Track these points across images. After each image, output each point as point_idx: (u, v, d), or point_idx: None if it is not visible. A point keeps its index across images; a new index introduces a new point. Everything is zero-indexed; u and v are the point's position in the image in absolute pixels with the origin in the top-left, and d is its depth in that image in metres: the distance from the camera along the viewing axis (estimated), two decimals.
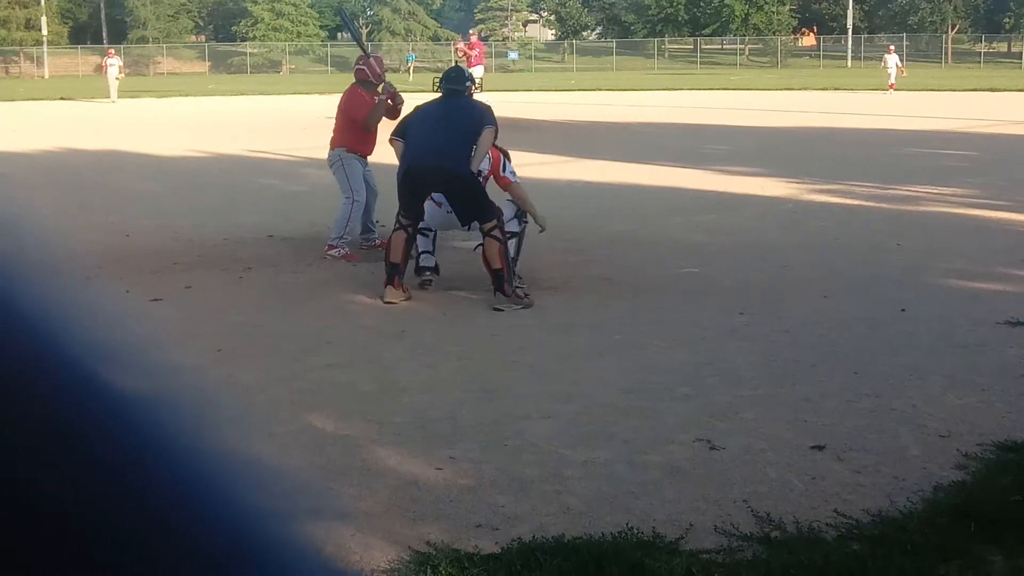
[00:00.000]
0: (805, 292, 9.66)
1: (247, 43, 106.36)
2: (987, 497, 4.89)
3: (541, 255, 10.98)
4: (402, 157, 9.62)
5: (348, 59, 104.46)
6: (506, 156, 10.13)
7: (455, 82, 9.99)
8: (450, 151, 9.27)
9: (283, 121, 33.92)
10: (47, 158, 23.68)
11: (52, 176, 19.66)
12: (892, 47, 55.16)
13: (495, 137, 9.50)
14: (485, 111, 9.68)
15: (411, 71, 75.32)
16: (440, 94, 9.95)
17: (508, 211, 9.74)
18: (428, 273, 9.95)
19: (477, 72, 29.84)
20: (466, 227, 9.79)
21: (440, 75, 10.48)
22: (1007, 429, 5.87)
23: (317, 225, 13.00)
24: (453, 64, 10.92)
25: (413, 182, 9.48)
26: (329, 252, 11.38)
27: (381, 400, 6.66)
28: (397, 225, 9.54)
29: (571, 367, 7.39)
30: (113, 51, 50.31)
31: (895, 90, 47.86)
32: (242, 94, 54.57)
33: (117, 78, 45.83)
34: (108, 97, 44.82)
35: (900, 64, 50.16)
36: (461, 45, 38.71)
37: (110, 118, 35.97)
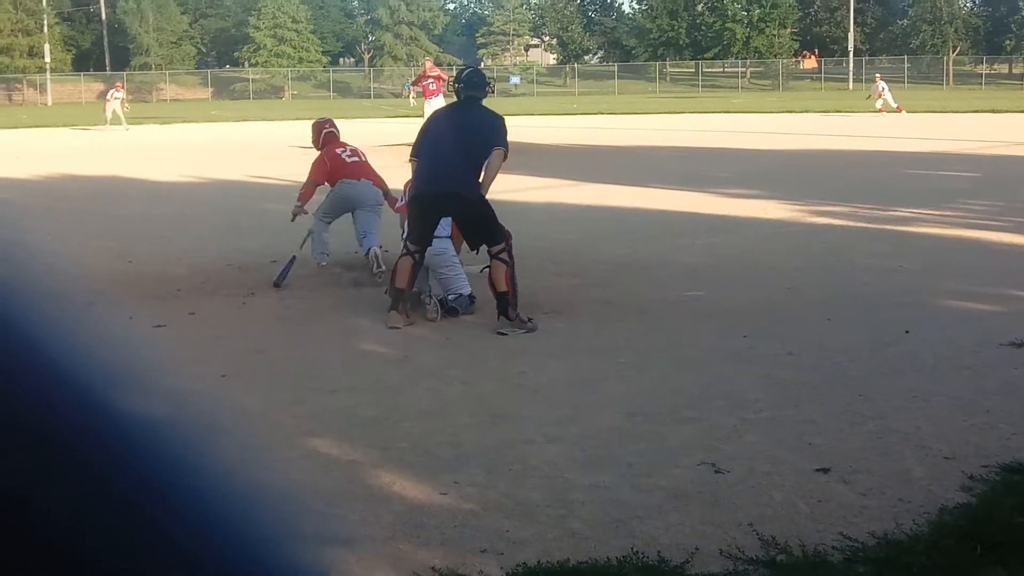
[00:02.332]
0: (808, 314, 9.65)
1: (249, 69, 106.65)
2: (992, 519, 4.87)
3: (544, 279, 10.99)
4: (414, 179, 9.66)
5: (350, 84, 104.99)
6: None
7: (474, 88, 9.85)
8: (461, 176, 9.26)
9: (285, 146, 33.97)
10: (49, 184, 23.72)
11: (54, 202, 19.67)
12: (879, 76, 55.72)
13: (503, 159, 9.49)
14: (498, 128, 9.59)
15: (411, 97, 75.40)
16: (456, 97, 9.92)
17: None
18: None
19: (437, 103, 28.84)
20: (474, 251, 9.78)
21: (456, 76, 10.36)
22: (1012, 451, 5.85)
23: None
24: (469, 71, 10.53)
25: (423, 207, 9.48)
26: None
27: (385, 425, 6.66)
28: (404, 251, 9.51)
29: (575, 391, 7.38)
30: (121, 84, 49.90)
31: (887, 111, 48.11)
32: (245, 120, 54.70)
33: (117, 108, 45.80)
34: (111, 125, 44.61)
35: (881, 90, 50.45)
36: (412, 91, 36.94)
37: (114, 145, 36.02)
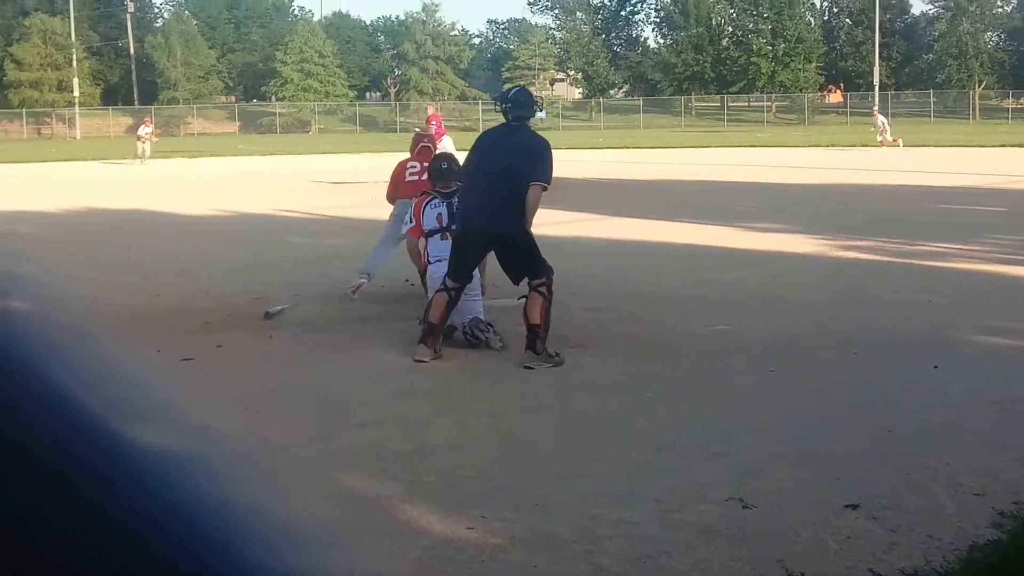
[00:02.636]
0: (836, 349, 9.61)
1: (276, 103, 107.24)
2: (1023, 556, 4.83)
3: (571, 313, 10.97)
4: (459, 214, 9.65)
5: (376, 118, 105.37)
6: None
7: (522, 107, 9.72)
8: (505, 214, 9.20)
9: (311, 180, 34.11)
10: (77, 218, 23.87)
11: (82, 236, 19.81)
12: (876, 108, 57.14)
13: (542, 192, 9.39)
14: (543, 159, 9.40)
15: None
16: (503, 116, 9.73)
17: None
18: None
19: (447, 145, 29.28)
20: (516, 284, 9.72)
21: (502, 96, 10.04)
22: None
23: (345, 284, 13.02)
24: (516, 90, 10.28)
25: (468, 244, 9.44)
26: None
27: (411, 459, 6.64)
28: (442, 287, 9.45)
29: (602, 425, 7.35)
30: (149, 119, 50.27)
31: (886, 145, 48.89)
32: (271, 154, 54.96)
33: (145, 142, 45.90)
34: (144, 159, 44.77)
35: (882, 124, 51.14)
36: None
37: (140, 178, 36.21)
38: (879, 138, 50.04)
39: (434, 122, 29.20)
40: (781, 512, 5.62)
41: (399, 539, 5.31)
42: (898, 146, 48.74)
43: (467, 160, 9.81)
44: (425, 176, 11.63)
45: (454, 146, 20.78)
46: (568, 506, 5.75)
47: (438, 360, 9.31)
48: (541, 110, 10.28)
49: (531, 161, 9.36)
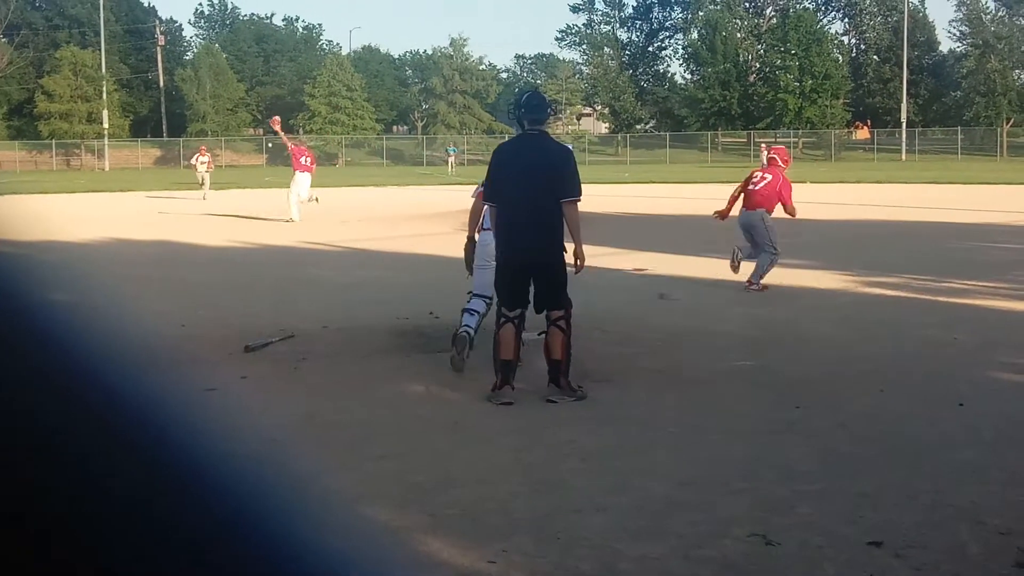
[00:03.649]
0: (862, 386, 9.57)
1: (303, 136, 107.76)
2: None
3: (593, 347, 10.96)
4: (498, 239, 9.36)
5: (403, 152, 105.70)
6: None
7: (536, 110, 9.50)
8: (543, 243, 9.08)
9: (338, 213, 34.20)
10: (102, 249, 23.99)
11: (107, 267, 19.88)
12: (764, 146, 59.46)
13: (578, 205, 9.32)
14: (570, 169, 9.28)
15: (451, 164, 75.70)
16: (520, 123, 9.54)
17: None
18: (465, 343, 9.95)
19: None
20: (538, 313, 9.70)
21: (515, 102, 9.87)
22: None
23: (371, 316, 13.07)
24: (528, 94, 10.07)
25: (512, 274, 9.26)
26: (751, 288, 15.52)
27: (434, 492, 6.63)
28: (503, 319, 9.27)
29: (625, 459, 7.33)
30: (205, 148, 49.44)
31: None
32: None
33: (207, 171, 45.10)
34: (207, 187, 43.91)
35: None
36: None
37: (168, 210, 36.37)
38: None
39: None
40: (804, 549, 5.59)
41: (420, 572, 5.29)
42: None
43: (492, 178, 9.46)
44: None
45: None
46: (590, 541, 5.73)
47: (459, 393, 9.30)
48: (555, 112, 10.05)
49: (559, 175, 9.19)
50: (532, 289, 9.28)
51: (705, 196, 42.32)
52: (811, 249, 21.56)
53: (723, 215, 16.83)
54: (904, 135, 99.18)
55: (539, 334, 9.70)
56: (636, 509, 6.29)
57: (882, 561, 5.40)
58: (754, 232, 15.96)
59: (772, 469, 7.07)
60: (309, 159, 31.22)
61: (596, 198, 38.25)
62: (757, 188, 16.15)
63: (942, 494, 6.50)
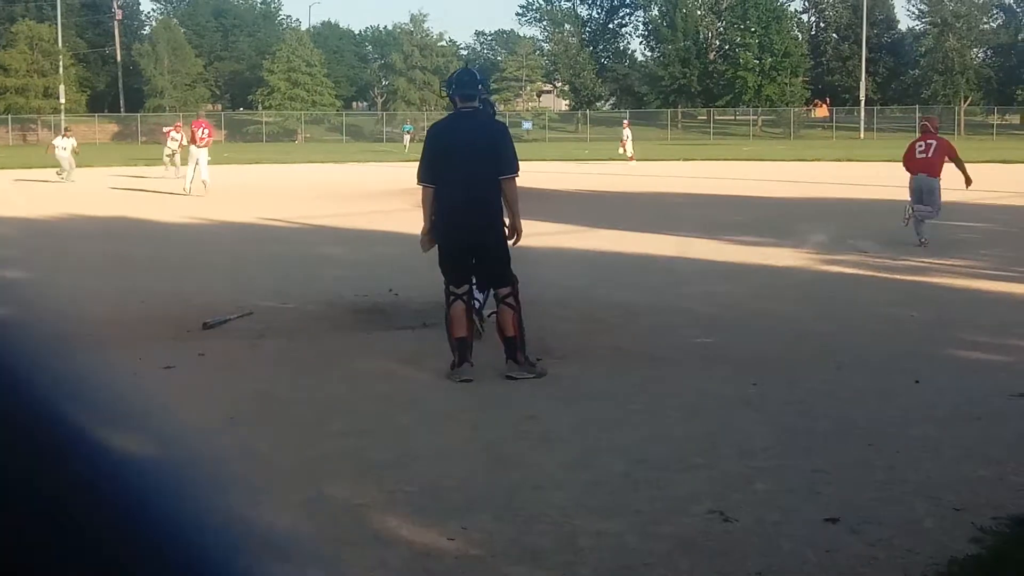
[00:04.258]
0: (819, 363, 9.63)
1: (263, 112, 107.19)
2: (1002, 571, 4.85)
3: (554, 324, 10.98)
4: (437, 219, 9.21)
5: (362, 128, 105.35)
6: None
7: (467, 86, 9.38)
8: (484, 224, 9.08)
9: (297, 189, 34.09)
10: (59, 225, 23.84)
11: (65, 243, 19.77)
12: (627, 122, 61.17)
13: (516, 181, 9.28)
14: (505, 145, 9.25)
15: (407, 142, 75.47)
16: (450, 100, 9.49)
17: None
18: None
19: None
20: (483, 292, 9.71)
21: (446, 82, 9.80)
22: (1022, 502, 5.82)
23: (330, 293, 13.05)
24: (458, 72, 9.94)
25: (453, 257, 9.22)
26: (923, 243, 17.76)
27: (393, 469, 6.63)
28: (452, 297, 9.21)
29: (584, 436, 7.36)
30: (180, 124, 44.27)
31: (636, 160, 51.41)
32: (257, 162, 54.91)
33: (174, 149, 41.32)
34: (176, 166, 40.03)
35: (626, 137, 54.72)
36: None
37: (124, 186, 36.11)
38: (621, 150, 53.62)
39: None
40: (761, 525, 5.63)
41: (379, 549, 5.31)
42: (632, 162, 51.27)
43: (428, 159, 9.29)
44: None
45: None
46: (549, 517, 5.75)
47: (419, 370, 9.30)
48: (487, 90, 9.93)
49: (495, 152, 9.14)
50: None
51: (664, 173, 42.46)
52: (769, 226, 21.67)
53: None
54: (863, 113, 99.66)
55: (488, 315, 9.71)
56: (595, 486, 6.31)
57: (838, 537, 5.44)
58: (931, 194, 18.35)
59: (730, 446, 7.10)
60: (207, 130, 31.44)
61: (555, 175, 38.29)
62: (929, 156, 18.58)
63: (898, 470, 6.56)
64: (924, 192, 18.47)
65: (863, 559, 5.15)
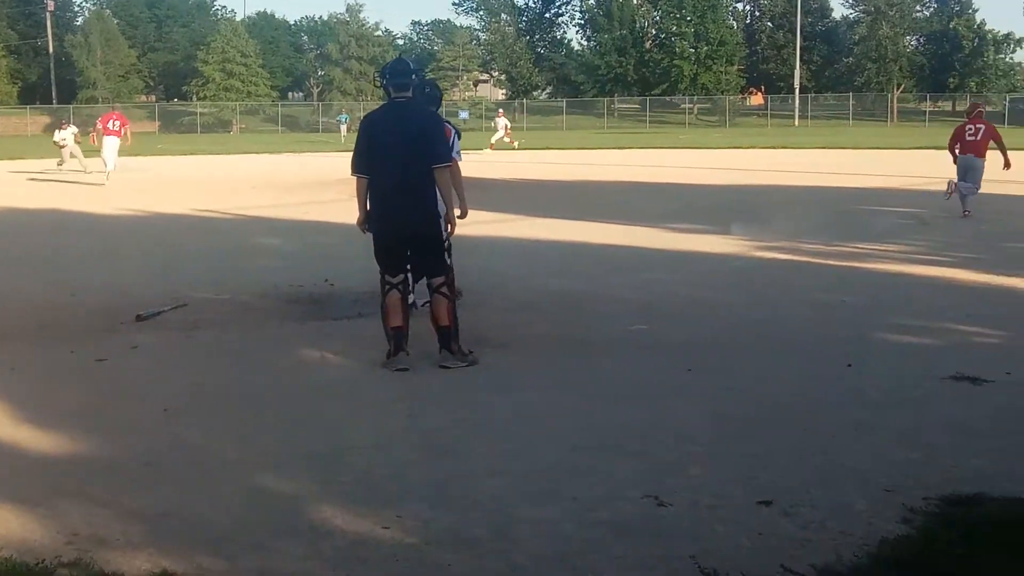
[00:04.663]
0: (753, 349, 9.70)
1: (197, 103, 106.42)
2: (931, 551, 4.90)
3: (490, 313, 10.99)
4: (372, 210, 9.18)
5: (298, 118, 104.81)
6: (457, 135, 10.58)
7: (401, 75, 9.30)
8: (418, 215, 9.03)
9: (232, 180, 33.88)
10: None
11: None
12: (501, 111, 64.93)
13: (451, 170, 9.26)
14: (438, 133, 9.25)
15: (343, 132, 75.15)
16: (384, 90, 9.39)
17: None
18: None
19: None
20: (416, 282, 9.69)
21: (380, 72, 9.73)
22: (952, 483, 5.89)
23: (265, 283, 12.99)
24: (393, 61, 9.86)
25: (388, 248, 9.19)
26: (966, 214, 20.41)
27: (328, 459, 6.61)
28: (387, 287, 9.20)
29: (519, 425, 7.36)
30: (66, 122, 41.69)
31: (494, 150, 53.23)
32: (192, 153, 54.51)
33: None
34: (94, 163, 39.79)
35: (508, 127, 58.42)
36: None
37: (55, 179, 35.74)
38: (493, 140, 55.77)
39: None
40: (696, 509, 5.66)
41: (313, 539, 5.29)
42: (514, 147, 54.39)
43: (362, 149, 9.23)
44: None
45: None
46: (484, 505, 5.76)
47: (354, 361, 9.28)
48: (419, 77, 9.87)
49: (429, 142, 9.08)
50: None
51: (601, 162, 42.57)
52: (704, 214, 21.78)
53: (954, 161, 21.34)
54: (797, 101, 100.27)
55: (422, 305, 9.69)
56: (531, 474, 6.31)
57: (771, 520, 5.48)
58: (974, 172, 20.63)
59: (665, 432, 7.13)
60: (118, 121, 31.52)
61: (491, 164, 38.23)
62: (978, 139, 20.79)
63: (830, 454, 6.61)
64: (968, 170, 20.72)
65: (796, 541, 5.19)
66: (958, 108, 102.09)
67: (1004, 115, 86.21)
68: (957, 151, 21.24)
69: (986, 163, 20.90)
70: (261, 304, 11.88)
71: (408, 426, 7.45)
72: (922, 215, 19.81)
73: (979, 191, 20.81)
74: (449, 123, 10.40)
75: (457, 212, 9.39)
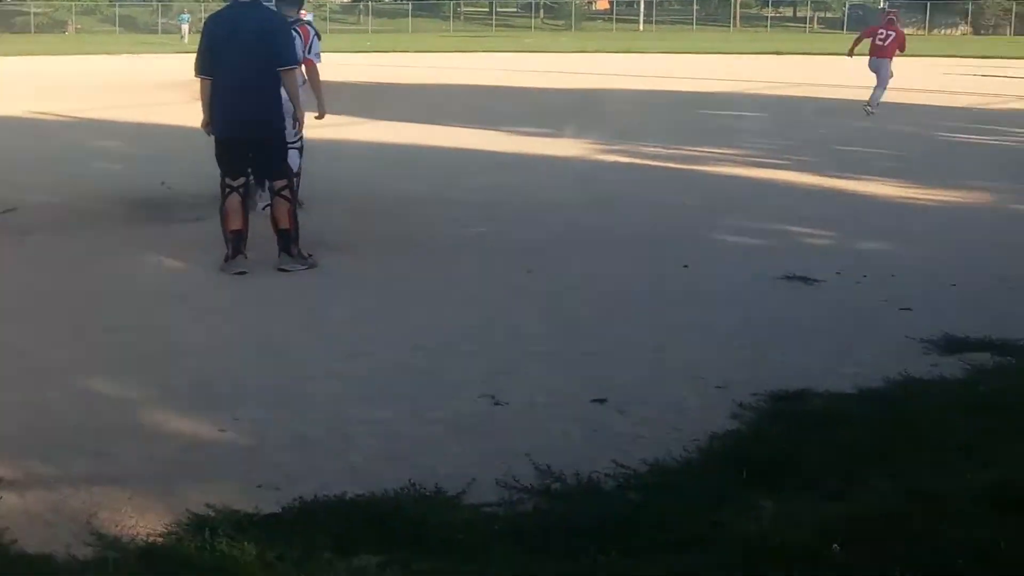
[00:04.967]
0: (591, 249, 9.80)
1: (31, 2, 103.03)
2: (759, 445, 5.02)
3: (331, 215, 10.93)
4: (214, 111, 8.97)
5: (136, 19, 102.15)
6: (317, 36, 10.58)
7: None
8: (260, 114, 8.88)
9: (68, 82, 32.99)
10: None
11: None
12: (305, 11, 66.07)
13: (301, 73, 9.15)
14: (286, 35, 9.15)
15: (184, 32, 73.46)
16: None
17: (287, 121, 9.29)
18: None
19: None
20: (259, 184, 9.59)
21: None
22: (780, 380, 6.03)
23: (102, 187, 12.74)
24: None
25: (228, 149, 9.01)
26: (871, 111, 21.49)
27: (162, 363, 6.53)
28: (228, 189, 9.03)
29: (358, 327, 7.36)
30: None
31: None
32: (26, 55, 52.85)
33: None
34: None
35: None
36: None
37: None
38: None
39: None
40: (531, 408, 5.73)
41: (147, 442, 5.23)
42: None
43: (205, 50, 9.02)
44: None
45: None
46: (321, 406, 5.76)
47: (192, 264, 9.15)
48: (305, 9, 9.80)
49: (274, 44, 8.93)
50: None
51: (446, 66, 42.35)
52: (549, 118, 21.83)
53: (850, 52, 22.97)
54: (642, 6, 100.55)
55: (263, 208, 9.59)
56: (368, 375, 6.33)
57: (605, 416, 5.57)
58: (882, 72, 21.66)
59: (502, 332, 7.19)
60: None
61: (337, 67, 37.72)
62: (886, 44, 21.79)
63: (664, 352, 6.74)
64: (874, 70, 21.91)
65: (628, 437, 5.28)
66: (798, 14, 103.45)
67: (843, 22, 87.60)
68: (868, 54, 22.18)
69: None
70: (96, 208, 11.63)
71: (245, 330, 7.40)
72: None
73: (884, 90, 21.82)
74: (310, 24, 10.37)
75: (315, 114, 9.34)
